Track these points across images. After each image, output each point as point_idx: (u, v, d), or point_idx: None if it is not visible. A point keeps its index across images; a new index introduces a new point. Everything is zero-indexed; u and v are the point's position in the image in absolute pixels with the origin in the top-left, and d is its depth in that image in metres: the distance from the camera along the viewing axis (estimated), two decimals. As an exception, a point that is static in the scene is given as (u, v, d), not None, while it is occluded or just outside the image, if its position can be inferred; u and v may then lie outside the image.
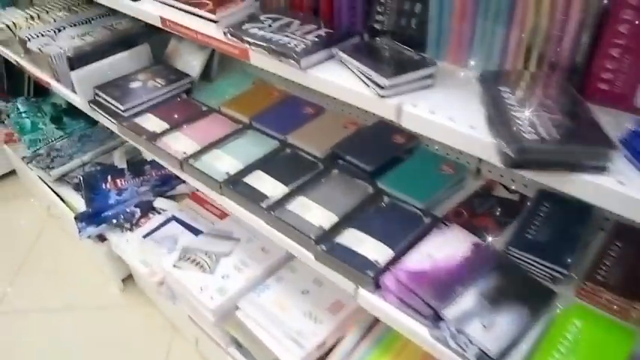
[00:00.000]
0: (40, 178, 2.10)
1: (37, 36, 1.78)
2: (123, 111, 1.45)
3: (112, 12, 1.87)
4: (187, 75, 1.58)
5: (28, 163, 2.13)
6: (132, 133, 1.40)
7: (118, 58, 1.57)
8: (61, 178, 2.03)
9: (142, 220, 1.77)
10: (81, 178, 1.94)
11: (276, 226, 1.10)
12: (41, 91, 2.40)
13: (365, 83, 0.87)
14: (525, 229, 1.01)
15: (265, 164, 1.25)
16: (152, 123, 1.42)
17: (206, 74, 1.63)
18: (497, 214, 1.09)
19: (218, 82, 1.64)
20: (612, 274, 0.92)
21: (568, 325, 0.86)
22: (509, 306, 0.88)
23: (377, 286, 0.95)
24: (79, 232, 1.79)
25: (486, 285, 0.91)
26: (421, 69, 0.85)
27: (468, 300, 0.88)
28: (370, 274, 0.94)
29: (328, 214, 1.09)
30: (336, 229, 1.06)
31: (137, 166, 2.00)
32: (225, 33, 1.06)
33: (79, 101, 1.57)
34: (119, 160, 2.04)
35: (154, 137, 1.37)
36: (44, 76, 1.77)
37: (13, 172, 2.57)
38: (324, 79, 0.92)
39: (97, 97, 1.54)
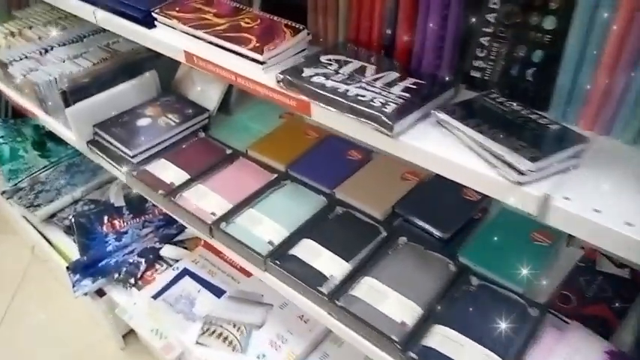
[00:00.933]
0: (23, 216, 1.83)
1: (20, 58, 1.52)
2: (131, 157, 1.20)
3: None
4: (204, 109, 1.34)
5: (8, 198, 1.85)
6: (145, 186, 1.16)
7: (121, 89, 1.32)
8: (49, 219, 1.77)
9: (148, 273, 1.52)
10: (72, 220, 1.68)
11: (343, 320, 0.89)
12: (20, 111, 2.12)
13: (486, 160, 0.66)
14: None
15: (315, 230, 1.03)
16: (168, 172, 1.18)
17: (223, 105, 1.39)
18: (611, 298, 0.90)
19: (238, 114, 1.41)
20: None
21: None
22: None
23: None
24: (74, 286, 1.53)
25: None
26: (570, 146, 0.64)
27: None
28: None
29: (409, 304, 0.87)
30: (423, 326, 0.84)
31: (137, 203, 1.75)
32: (279, 81, 0.83)
33: (74, 140, 1.32)
34: (116, 197, 1.78)
35: (173, 192, 1.13)
36: (29, 106, 1.51)
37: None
38: (423, 151, 0.70)
39: (97, 138, 1.29)
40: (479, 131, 0.67)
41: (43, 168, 1.95)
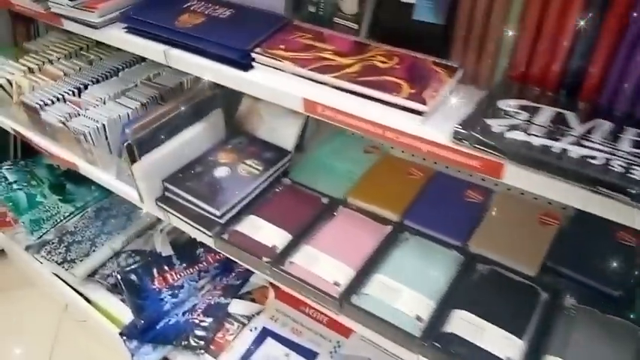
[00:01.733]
0: (54, 273, 1.62)
1: (52, 101, 1.31)
2: (219, 216, 1.02)
3: (141, 57, 1.42)
4: (284, 150, 1.17)
5: (35, 254, 1.64)
6: (242, 252, 0.99)
7: (189, 134, 1.14)
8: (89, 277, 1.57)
9: (219, 335, 1.34)
10: (119, 277, 1.49)
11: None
12: (30, 149, 1.89)
13: None
14: None
15: (463, 297, 0.87)
16: (265, 232, 1.01)
17: (298, 142, 1.23)
18: None
19: (315, 151, 1.24)
20: None
21: None
22: None
23: None
24: (133, 356, 1.35)
25: None
26: None
27: None
28: None
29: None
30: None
31: (187, 250, 1.57)
32: (460, 138, 0.67)
33: (136, 198, 1.13)
34: (162, 245, 1.59)
35: (279, 259, 0.96)
36: (67, 156, 1.31)
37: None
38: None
39: (168, 194, 1.11)
40: None
41: (69, 215, 1.74)
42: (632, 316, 0.84)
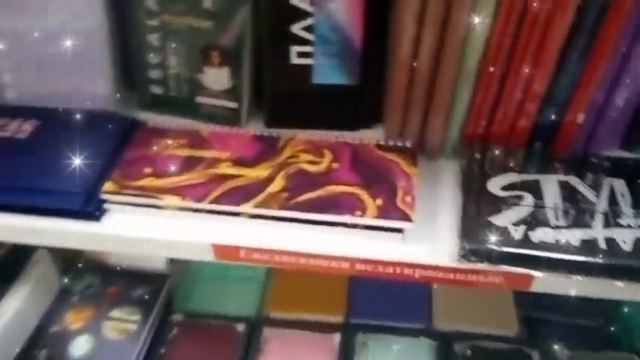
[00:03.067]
0: None
1: None
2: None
3: None
4: (158, 274, 0.85)
5: None
6: None
7: (7, 308, 0.74)
8: None
9: None
10: None
11: None
12: None
13: None
14: None
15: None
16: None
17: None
18: None
19: (192, 271, 0.94)
20: None
21: None
22: None
23: None
24: None
25: None
26: None
27: None
28: None
29: None
30: None
31: None
32: (469, 258, 0.49)
33: None
34: None
35: None
36: None
37: None
38: None
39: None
40: None
41: None
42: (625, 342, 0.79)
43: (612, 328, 0.81)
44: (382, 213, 0.50)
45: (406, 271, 0.51)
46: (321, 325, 0.81)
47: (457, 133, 0.60)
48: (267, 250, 0.53)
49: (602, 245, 0.47)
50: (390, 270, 0.52)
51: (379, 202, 0.51)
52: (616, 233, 0.48)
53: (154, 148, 0.58)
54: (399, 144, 0.58)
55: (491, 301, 0.83)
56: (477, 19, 0.50)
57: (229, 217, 0.54)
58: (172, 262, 0.89)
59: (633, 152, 0.60)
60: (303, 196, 0.52)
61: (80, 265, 0.86)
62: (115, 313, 0.79)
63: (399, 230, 0.51)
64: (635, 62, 0.52)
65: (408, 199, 0.51)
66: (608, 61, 0.51)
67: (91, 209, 0.55)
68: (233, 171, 0.55)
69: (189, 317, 0.83)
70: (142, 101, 0.67)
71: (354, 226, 0.52)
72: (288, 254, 0.53)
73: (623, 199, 0.52)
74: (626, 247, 0.47)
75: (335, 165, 0.56)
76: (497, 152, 0.58)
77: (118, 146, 0.60)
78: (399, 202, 0.51)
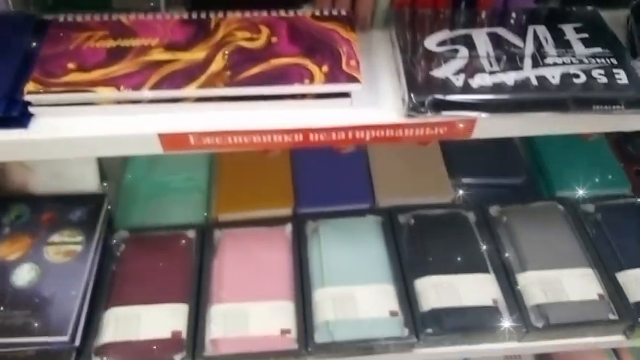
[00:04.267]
0: None
1: None
2: (70, 342, 0.66)
3: None
4: (93, 195, 0.81)
5: None
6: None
7: None
8: None
9: None
10: None
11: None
12: None
13: None
14: None
15: (413, 261, 0.77)
16: (147, 322, 0.71)
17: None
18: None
19: (128, 175, 0.90)
20: None
21: None
22: None
23: None
24: None
25: None
26: None
27: None
28: None
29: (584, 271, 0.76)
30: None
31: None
32: (418, 110, 0.50)
33: None
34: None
35: (194, 347, 0.69)
36: None
37: None
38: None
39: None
40: None
41: None
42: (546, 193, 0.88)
43: (535, 183, 0.89)
44: (330, 78, 0.50)
45: (358, 134, 0.53)
46: (272, 219, 0.83)
47: (386, 1, 0.60)
48: (219, 133, 0.52)
49: (534, 82, 0.51)
50: (343, 136, 0.53)
51: (325, 68, 0.51)
52: (544, 71, 0.52)
53: (73, 42, 0.53)
54: (335, 13, 0.57)
55: (427, 173, 0.88)
56: None
57: (172, 104, 0.52)
58: (104, 181, 0.86)
59: (546, 4, 0.64)
60: (248, 72, 0.51)
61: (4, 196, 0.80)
62: (55, 237, 0.75)
63: (346, 95, 0.52)
64: None
65: (352, 62, 0.52)
66: None
67: (15, 114, 0.50)
68: (167, 56, 0.52)
69: (135, 232, 0.81)
70: (43, 3, 0.60)
71: (304, 96, 0.52)
72: (241, 134, 0.52)
73: (547, 41, 0.55)
74: (555, 81, 0.51)
75: (274, 39, 0.54)
76: (427, 14, 0.59)
77: (31, 46, 0.54)
78: (344, 66, 0.51)
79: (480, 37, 0.56)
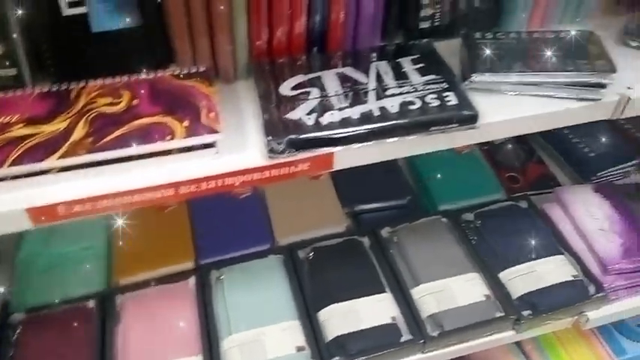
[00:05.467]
0: None
1: None
2: None
3: None
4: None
5: None
6: None
7: None
8: None
9: None
10: None
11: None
12: None
13: (557, 95, 0.63)
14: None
15: (316, 293, 0.80)
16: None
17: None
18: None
19: (20, 251, 0.87)
20: None
21: None
22: None
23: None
24: None
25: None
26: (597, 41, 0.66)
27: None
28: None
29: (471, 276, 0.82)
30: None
31: None
32: (280, 151, 0.54)
33: None
34: None
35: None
36: None
37: None
38: (513, 120, 0.61)
39: None
40: (532, 71, 0.62)
41: None
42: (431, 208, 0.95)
43: (420, 200, 0.96)
44: (191, 132, 0.54)
45: (227, 181, 0.56)
46: (173, 275, 0.83)
47: (245, 53, 0.65)
48: (88, 199, 0.53)
49: (377, 113, 0.57)
50: (213, 184, 0.56)
51: (186, 123, 0.54)
52: (386, 102, 0.58)
53: None
54: (194, 70, 0.61)
55: (321, 205, 0.93)
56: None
57: (37, 177, 0.52)
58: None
59: (392, 41, 0.71)
60: (110, 136, 0.53)
61: None
62: None
63: (211, 145, 0.55)
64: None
65: (211, 115, 0.55)
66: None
67: None
68: (28, 131, 0.53)
69: (32, 313, 0.78)
70: None
71: (169, 152, 0.54)
72: (111, 197, 0.53)
73: (387, 75, 0.62)
74: (394, 109, 0.57)
75: (135, 101, 0.57)
76: (283, 62, 0.65)
77: None
78: (203, 119, 0.55)
79: (330, 78, 0.62)
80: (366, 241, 0.88)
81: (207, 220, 0.89)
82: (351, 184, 0.95)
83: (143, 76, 0.60)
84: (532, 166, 1.03)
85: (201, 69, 0.61)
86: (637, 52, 0.72)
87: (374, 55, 0.66)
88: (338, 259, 0.85)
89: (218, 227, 0.88)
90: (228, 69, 0.65)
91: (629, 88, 0.65)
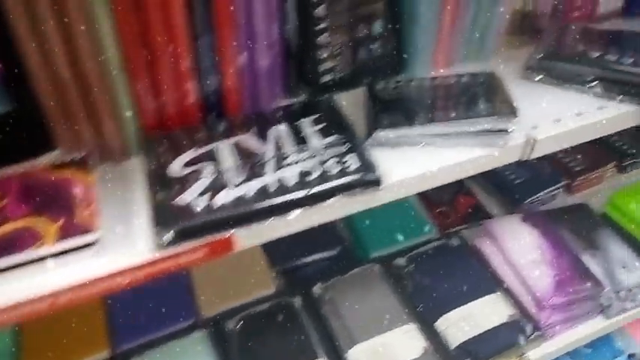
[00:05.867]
0: None
1: None
2: None
3: None
4: None
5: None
6: None
7: None
8: None
9: None
10: None
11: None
12: None
13: (461, 142, 0.61)
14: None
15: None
16: None
17: None
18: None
19: None
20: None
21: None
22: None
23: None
24: None
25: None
26: (500, 85, 0.65)
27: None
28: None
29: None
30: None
31: None
32: (173, 239, 0.49)
33: None
34: None
35: None
36: None
37: None
38: (413, 177, 0.58)
39: None
40: (435, 122, 0.60)
41: None
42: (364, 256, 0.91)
43: (353, 249, 0.93)
44: (63, 233, 0.48)
45: (114, 281, 0.50)
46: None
47: (133, 129, 0.60)
48: None
49: (274, 187, 0.53)
50: (97, 288, 0.50)
51: (60, 223, 0.49)
52: (284, 172, 0.54)
53: None
54: (71, 158, 0.55)
55: (248, 269, 0.87)
56: (97, 21, 0.50)
57: None
58: None
59: (297, 97, 0.68)
60: (-26, 252, 0.46)
61: None
62: None
63: (90, 245, 0.49)
64: (260, 22, 0.58)
65: (89, 210, 0.50)
66: (230, 25, 0.56)
67: None
68: None
69: None
70: None
71: (42, 259, 0.48)
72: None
73: (286, 141, 0.58)
74: (293, 181, 0.53)
75: (3, 202, 0.51)
76: (175, 135, 0.60)
77: None
78: (78, 217, 0.49)
79: (225, 150, 0.57)
80: (297, 301, 0.84)
81: (125, 302, 0.82)
82: (280, 240, 0.90)
83: (14, 169, 0.54)
84: (462, 199, 1.02)
85: (81, 155, 0.55)
86: (541, 86, 0.72)
87: (275, 116, 0.62)
88: (268, 326, 0.80)
89: (137, 308, 0.81)
90: (115, 148, 0.60)
91: (534, 127, 0.64)
